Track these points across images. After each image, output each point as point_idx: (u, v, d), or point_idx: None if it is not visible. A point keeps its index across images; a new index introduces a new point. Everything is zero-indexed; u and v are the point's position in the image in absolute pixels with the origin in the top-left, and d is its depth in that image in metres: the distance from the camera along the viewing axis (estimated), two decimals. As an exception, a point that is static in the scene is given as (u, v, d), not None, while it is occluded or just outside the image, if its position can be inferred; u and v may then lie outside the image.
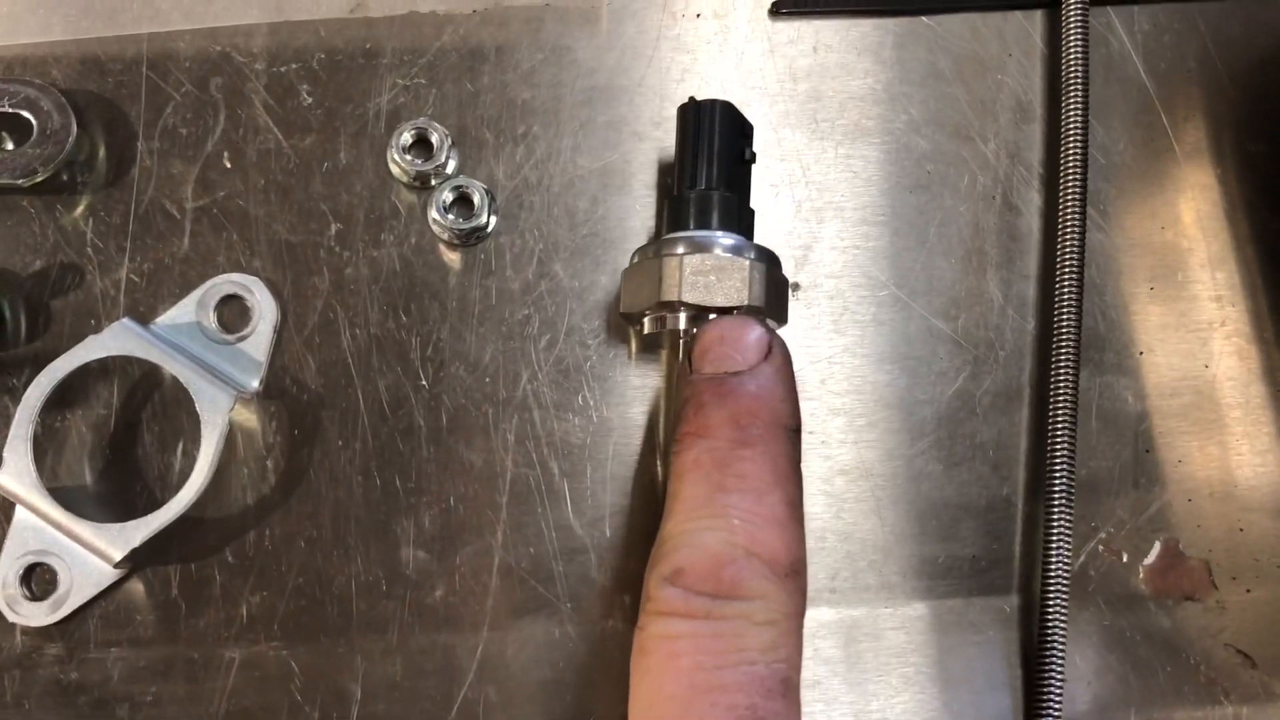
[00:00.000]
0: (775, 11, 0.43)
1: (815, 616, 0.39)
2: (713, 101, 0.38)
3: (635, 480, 0.40)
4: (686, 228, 0.38)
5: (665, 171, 0.42)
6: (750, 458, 0.32)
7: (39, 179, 0.39)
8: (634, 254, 0.39)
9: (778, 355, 0.34)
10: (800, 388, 0.35)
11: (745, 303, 0.36)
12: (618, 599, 0.39)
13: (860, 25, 0.43)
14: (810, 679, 0.39)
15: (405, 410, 0.40)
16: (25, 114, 0.39)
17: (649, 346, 0.41)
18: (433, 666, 0.38)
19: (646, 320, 0.38)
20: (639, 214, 0.41)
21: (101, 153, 0.40)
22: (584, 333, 0.41)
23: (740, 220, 0.38)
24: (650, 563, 0.32)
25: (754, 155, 0.39)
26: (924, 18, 0.43)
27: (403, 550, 0.39)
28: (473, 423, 0.40)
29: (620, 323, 0.40)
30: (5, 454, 0.37)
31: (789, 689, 0.30)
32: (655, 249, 0.38)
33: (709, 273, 0.36)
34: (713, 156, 0.38)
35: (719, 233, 0.37)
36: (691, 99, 0.38)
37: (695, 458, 0.32)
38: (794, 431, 0.33)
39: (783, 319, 0.38)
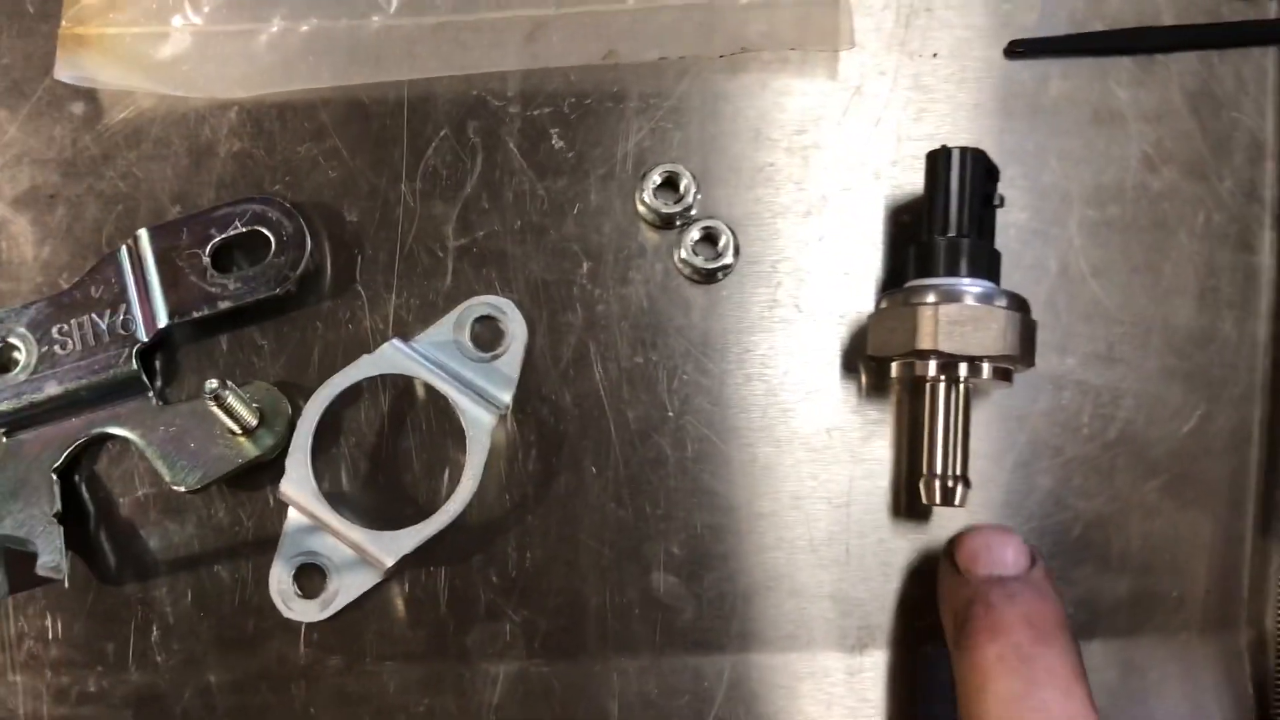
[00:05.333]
0: (1011, 53, 0.43)
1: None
2: (964, 150, 0.39)
3: (868, 516, 0.42)
4: (936, 274, 0.39)
5: (901, 209, 0.43)
6: (1052, 655, 0.35)
7: (291, 285, 0.41)
8: (880, 297, 0.40)
9: (1041, 561, 0.38)
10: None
11: (1002, 351, 0.37)
12: (850, 630, 0.41)
13: (1094, 65, 0.43)
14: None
15: (654, 441, 0.42)
16: (262, 230, 0.41)
17: (879, 386, 0.42)
18: (684, 686, 0.40)
19: (895, 364, 0.39)
20: (876, 251, 0.42)
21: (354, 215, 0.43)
22: (822, 367, 0.42)
23: (989, 266, 0.39)
24: None
25: (1002, 199, 0.40)
26: (1157, 55, 0.43)
27: (653, 574, 0.41)
28: (716, 453, 0.42)
29: (855, 357, 0.42)
30: (287, 464, 0.39)
31: None
32: (905, 296, 0.39)
33: (965, 322, 0.37)
34: (963, 203, 0.39)
35: (968, 280, 0.39)
36: (943, 146, 0.39)
37: (999, 654, 0.35)
38: (1071, 632, 0.36)
39: (1030, 362, 0.39)
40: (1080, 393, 0.42)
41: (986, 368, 0.38)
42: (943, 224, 0.39)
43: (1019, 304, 0.38)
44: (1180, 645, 0.41)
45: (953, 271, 0.39)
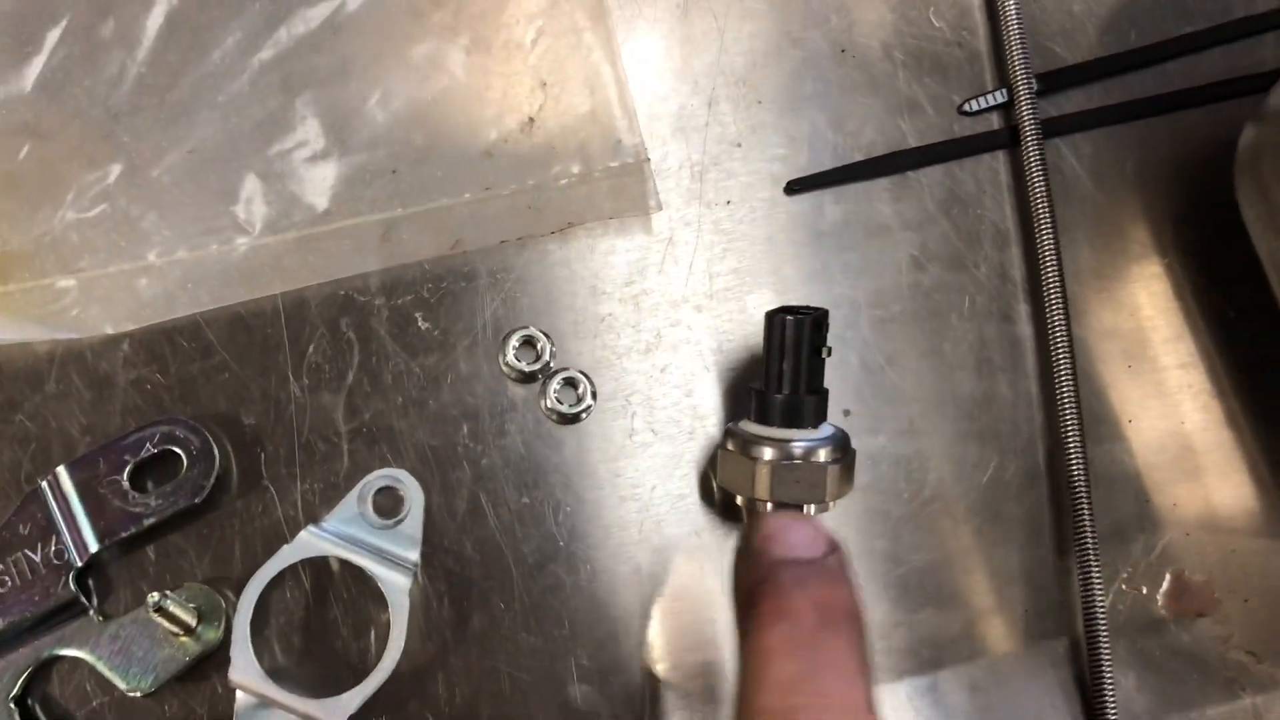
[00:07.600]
0: (790, 190, 0.51)
1: (910, 684, 0.48)
2: (798, 319, 0.44)
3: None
4: (773, 423, 0.45)
5: (724, 334, 0.50)
6: (837, 643, 0.33)
7: (207, 494, 0.46)
8: (725, 433, 0.47)
9: (840, 549, 0.37)
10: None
11: (825, 500, 0.44)
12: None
13: (859, 189, 0.52)
14: (915, 735, 0.48)
15: (550, 569, 0.48)
16: (172, 448, 0.46)
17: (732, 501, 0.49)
18: (612, 779, 0.47)
19: (739, 497, 0.46)
20: (709, 373, 0.50)
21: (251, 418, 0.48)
22: (681, 479, 0.49)
23: (817, 412, 0.45)
24: None
25: (829, 350, 0.45)
26: (909, 173, 0.52)
27: (569, 687, 0.47)
28: (605, 571, 0.48)
29: (708, 467, 0.49)
30: (232, 654, 0.44)
31: None
32: (743, 444, 0.45)
33: (796, 480, 0.44)
34: (798, 364, 0.44)
35: (799, 434, 0.44)
36: (780, 313, 0.44)
37: (781, 636, 0.33)
38: (862, 621, 0.35)
39: (850, 488, 0.46)
40: (894, 464, 0.50)
41: (814, 508, 0.45)
42: (777, 383, 0.44)
43: (841, 446, 0.45)
44: (1013, 660, 0.49)
45: (787, 424, 0.44)
